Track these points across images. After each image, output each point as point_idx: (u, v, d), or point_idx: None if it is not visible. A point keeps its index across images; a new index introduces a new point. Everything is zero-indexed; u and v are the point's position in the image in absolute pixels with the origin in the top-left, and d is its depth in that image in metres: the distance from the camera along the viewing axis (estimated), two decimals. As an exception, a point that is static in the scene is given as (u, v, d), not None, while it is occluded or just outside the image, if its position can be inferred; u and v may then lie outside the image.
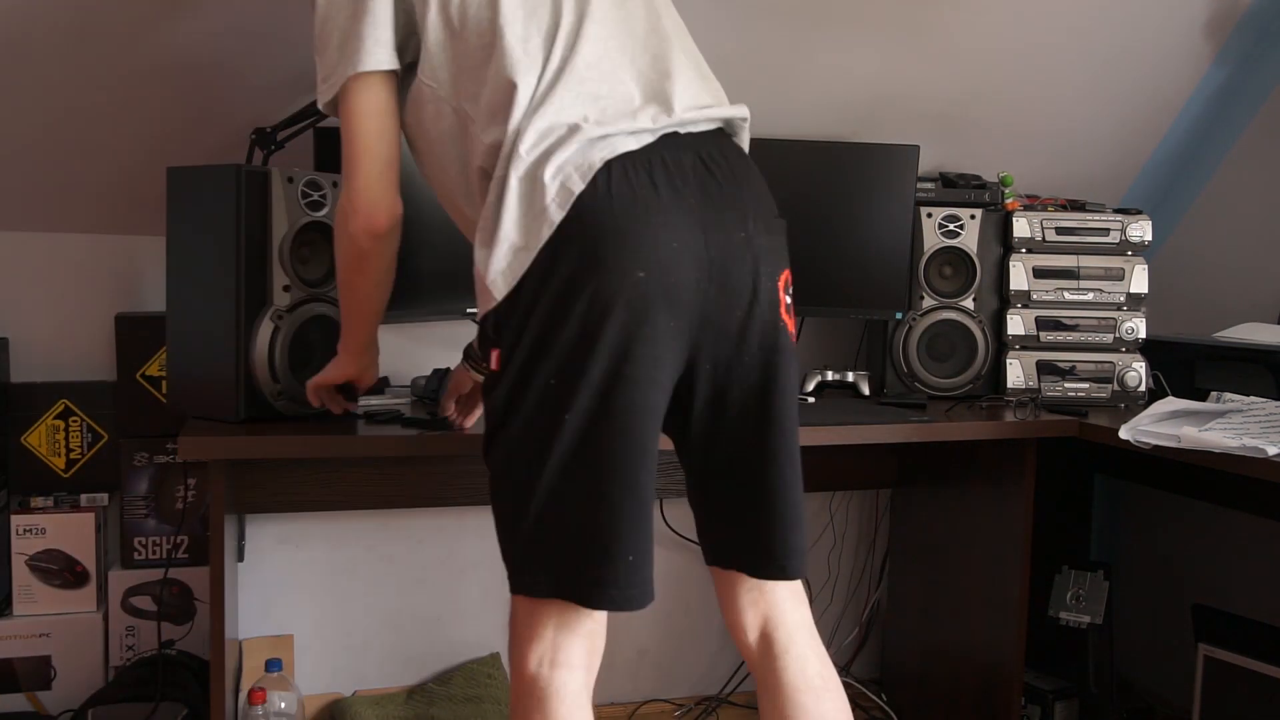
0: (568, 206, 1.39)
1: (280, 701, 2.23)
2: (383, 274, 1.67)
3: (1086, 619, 2.51)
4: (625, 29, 1.55)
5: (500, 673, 2.59)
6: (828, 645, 2.91)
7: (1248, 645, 2.26)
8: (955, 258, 2.55)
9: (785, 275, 1.53)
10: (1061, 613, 2.53)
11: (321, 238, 2.06)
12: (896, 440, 2.25)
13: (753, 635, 1.60)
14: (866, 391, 2.57)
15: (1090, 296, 2.54)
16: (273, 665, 2.26)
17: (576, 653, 1.49)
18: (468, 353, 1.92)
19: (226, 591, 1.92)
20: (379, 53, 1.52)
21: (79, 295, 2.40)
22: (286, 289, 1.99)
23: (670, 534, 2.74)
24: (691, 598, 2.80)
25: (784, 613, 1.59)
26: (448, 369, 2.33)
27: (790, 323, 1.53)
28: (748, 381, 1.51)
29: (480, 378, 1.87)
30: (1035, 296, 2.54)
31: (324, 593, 2.55)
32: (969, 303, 2.55)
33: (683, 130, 1.50)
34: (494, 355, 1.45)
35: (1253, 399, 2.27)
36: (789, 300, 1.53)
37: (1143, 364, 2.54)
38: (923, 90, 2.61)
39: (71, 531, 2.34)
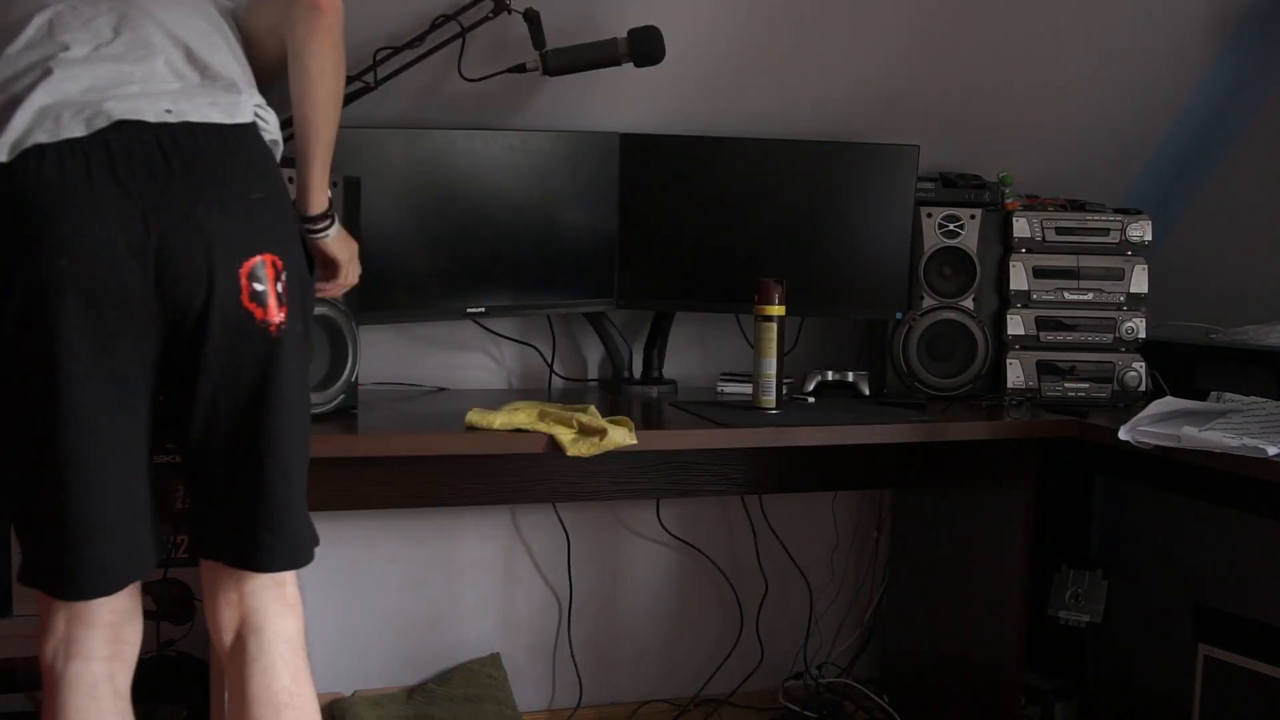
0: None
1: (280, 701, 2.23)
2: None
3: (1086, 618, 2.51)
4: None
5: (500, 673, 2.59)
6: (830, 645, 2.91)
7: (1248, 645, 2.26)
8: (955, 258, 2.54)
9: (252, 261, 1.46)
10: (1061, 611, 2.53)
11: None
12: (896, 440, 2.25)
13: (228, 637, 1.56)
14: (866, 391, 2.57)
15: (1090, 296, 2.54)
16: (273, 665, 2.26)
17: (95, 643, 1.48)
18: None
19: (226, 591, 1.92)
20: None
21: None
22: (286, 289, 1.99)
23: (670, 534, 2.74)
24: (691, 598, 2.80)
25: (264, 619, 1.54)
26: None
27: (261, 311, 1.46)
28: (220, 369, 1.46)
29: None
30: (1035, 296, 2.54)
31: (324, 593, 2.54)
32: (969, 303, 2.55)
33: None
34: None
35: (1253, 399, 2.27)
36: (257, 287, 1.46)
37: (1143, 364, 2.54)
38: (923, 90, 2.61)
39: (71, 531, 2.34)
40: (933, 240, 2.53)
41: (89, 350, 1.38)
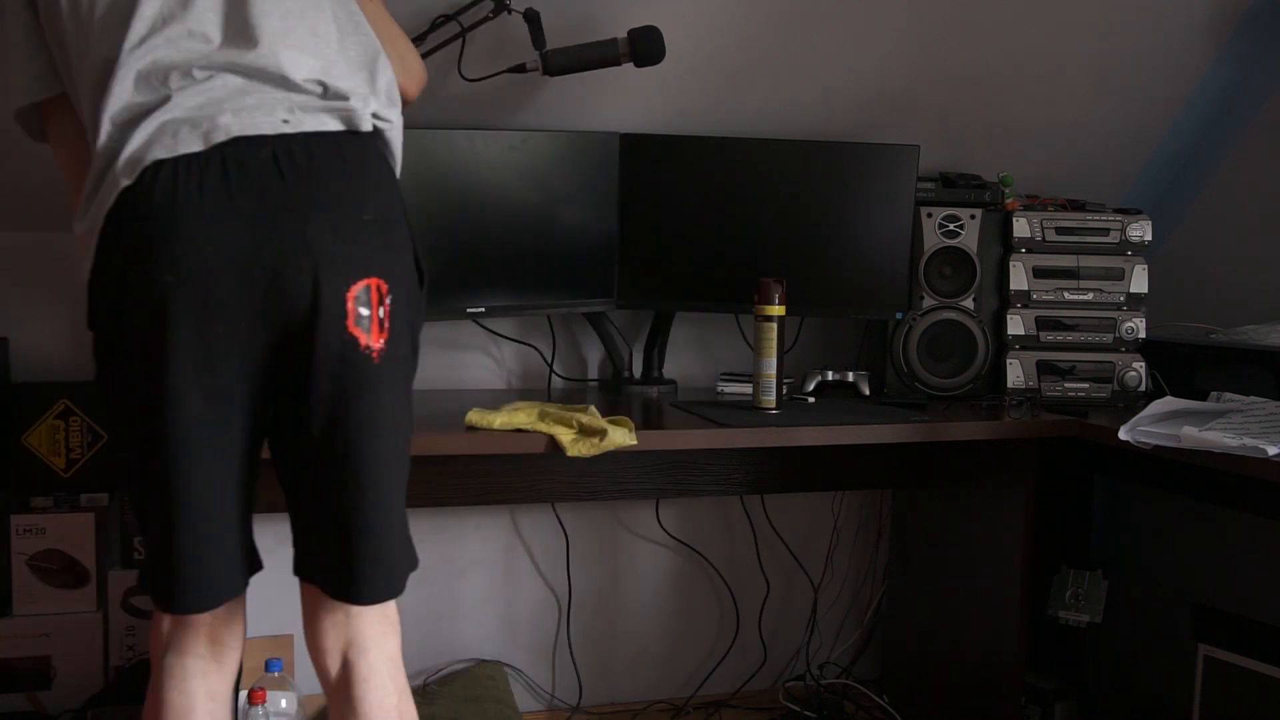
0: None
1: (280, 701, 2.23)
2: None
3: (1085, 618, 2.51)
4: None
5: (501, 673, 2.59)
6: (831, 646, 2.92)
7: (1248, 645, 2.26)
8: (955, 258, 2.55)
9: (359, 286, 1.42)
10: (1060, 611, 2.53)
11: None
12: (896, 440, 2.25)
13: (333, 660, 1.55)
14: (866, 391, 2.57)
15: (1090, 296, 2.54)
16: (273, 665, 2.26)
17: (194, 642, 1.52)
18: None
19: (226, 591, 1.91)
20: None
21: (79, 295, 2.40)
22: (286, 289, 1.98)
23: (668, 535, 2.74)
24: (691, 598, 2.80)
25: (369, 639, 1.54)
26: None
27: (365, 336, 1.42)
28: (323, 395, 1.43)
29: None
30: (1035, 296, 2.54)
31: (324, 593, 2.55)
32: (969, 303, 2.55)
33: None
34: None
35: (1253, 399, 2.27)
36: (363, 312, 1.42)
37: (1143, 364, 2.54)
38: (923, 90, 2.61)
39: (71, 531, 2.34)
40: (933, 240, 2.53)
41: (194, 367, 1.38)
